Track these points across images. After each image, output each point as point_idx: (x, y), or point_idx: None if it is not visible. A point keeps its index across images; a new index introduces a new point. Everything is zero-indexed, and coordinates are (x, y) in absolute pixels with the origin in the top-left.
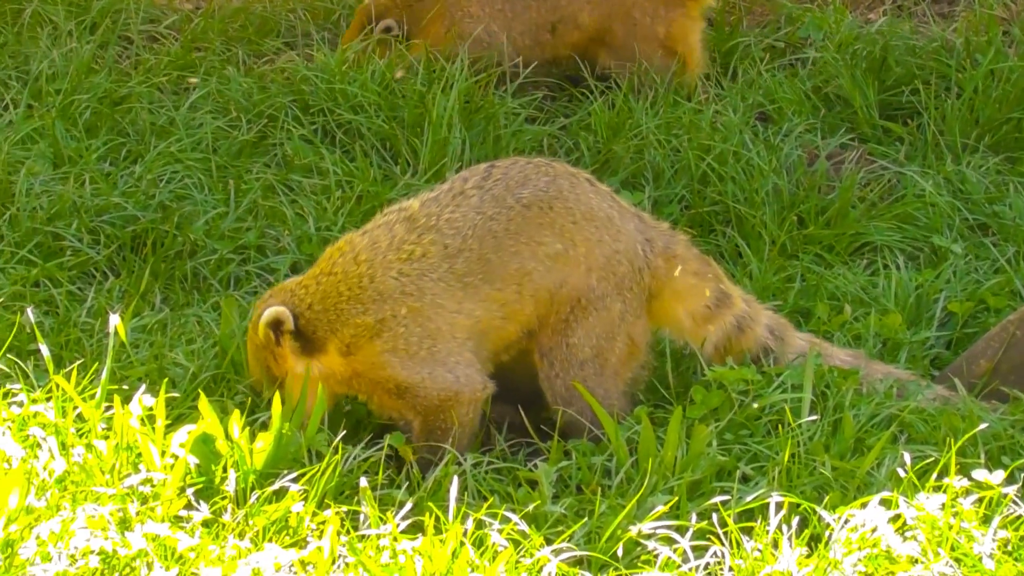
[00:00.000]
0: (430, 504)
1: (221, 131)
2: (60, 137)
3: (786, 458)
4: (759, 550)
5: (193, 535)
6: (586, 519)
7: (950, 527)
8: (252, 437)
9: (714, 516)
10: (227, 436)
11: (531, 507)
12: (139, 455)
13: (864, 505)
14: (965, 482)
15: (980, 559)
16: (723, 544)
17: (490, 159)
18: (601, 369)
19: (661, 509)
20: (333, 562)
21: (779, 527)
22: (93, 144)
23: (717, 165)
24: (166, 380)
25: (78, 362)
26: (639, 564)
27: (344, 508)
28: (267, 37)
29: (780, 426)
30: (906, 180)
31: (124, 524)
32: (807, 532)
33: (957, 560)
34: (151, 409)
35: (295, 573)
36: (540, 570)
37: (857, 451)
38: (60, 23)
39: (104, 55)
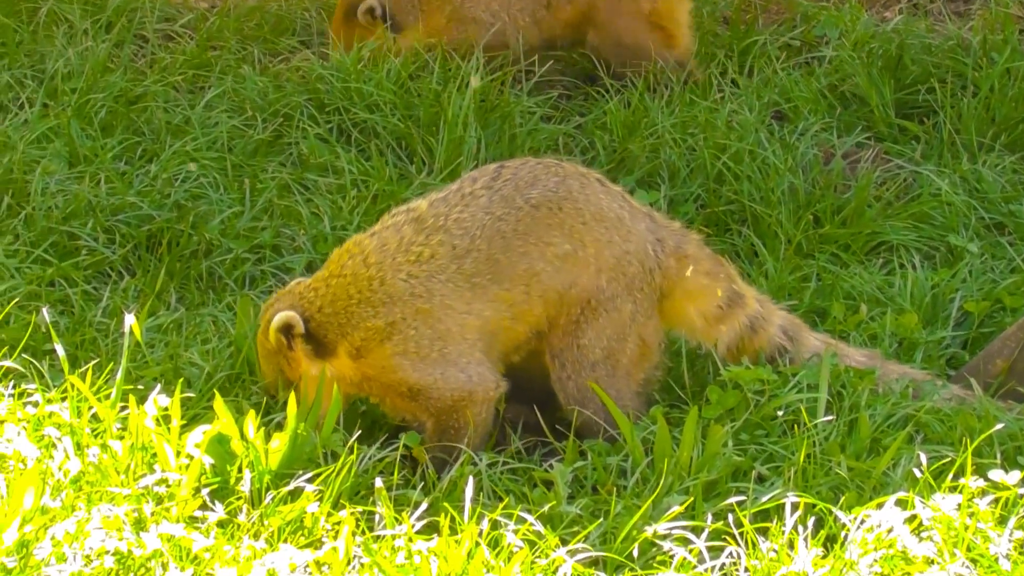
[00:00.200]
0: (445, 504)
1: (236, 130)
2: (75, 136)
3: (802, 458)
4: (775, 551)
5: (208, 535)
6: (601, 519)
7: (966, 528)
8: (267, 437)
9: (730, 516)
10: (242, 436)
11: (546, 507)
12: (154, 455)
13: (880, 505)
14: (981, 482)
15: (996, 560)
16: (739, 545)
17: (506, 158)
18: (613, 370)
19: (677, 509)
20: (348, 563)
21: (795, 527)
22: (108, 143)
23: (733, 164)
24: (181, 380)
25: (93, 362)
26: (655, 565)
27: (359, 508)
28: (282, 36)
29: (796, 426)
30: (922, 179)
31: (139, 524)
32: (823, 532)
33: (973, 561)
34: (166, 409)
35: (310, 574)
36: (556, 571)
37: (873, 451)
38: (76, 22)
39: (119, 54)
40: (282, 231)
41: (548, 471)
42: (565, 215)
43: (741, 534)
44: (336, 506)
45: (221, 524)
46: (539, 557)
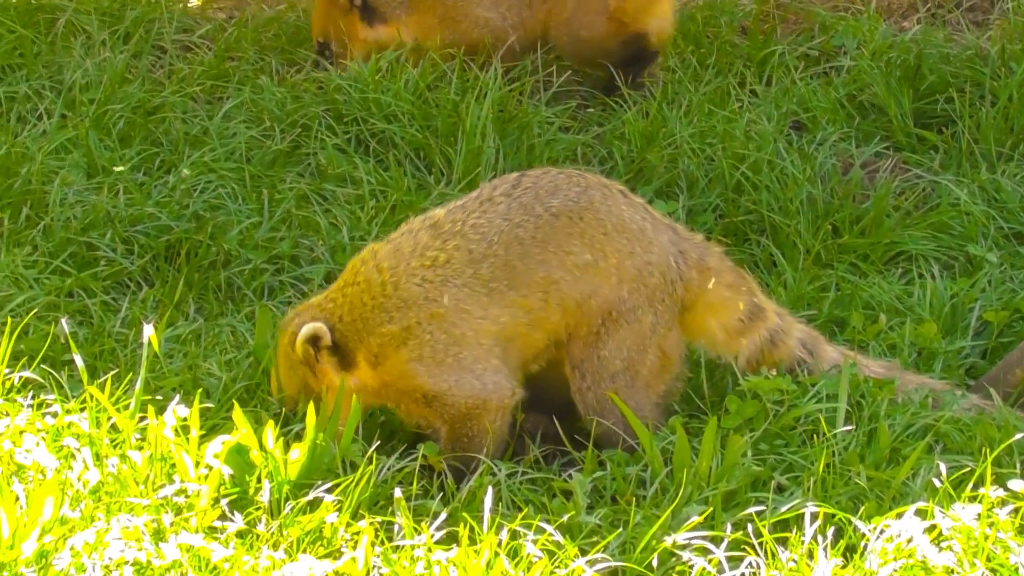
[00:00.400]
0: (464, 514)
1: (255, 141)
2: (94, 147)
3: (821, 468)
4: (794, 561)
5: (227, 546)
6: (621, 529)
7: (986, 538)
8: (286, 447)
9: (749, 526)
10: (261, 447)
11: (566, 517)
12: (173, 466)
13: (900, 515)
14: (1001, 492)
15: (1016, 570)
16: (758, 555)
17: (524, 168)
18: (632, 381)
19: (696, 519)
20: (367, 573)
21: (814, 537)
22: (127, 154)
23: (751, 174)
24: (200, 390)
25: (112, 372)
26: (674, 575)
27: (378, 518)
28: (300, 46)
29: (815, 436)
30: (941, 189)
31: (158, 535)
32: (842, 542)
33: (993, 571)
34: (185, 419)
35: None
36: None
37: (892, 461)
38: (94, 33)
39: (138, 65)
40: (300, 241)
41: (567, 481)
42: (586, 225)
43: (760, 544)
44: (355, 516)
45: (240, 534)
46: (558, 567)
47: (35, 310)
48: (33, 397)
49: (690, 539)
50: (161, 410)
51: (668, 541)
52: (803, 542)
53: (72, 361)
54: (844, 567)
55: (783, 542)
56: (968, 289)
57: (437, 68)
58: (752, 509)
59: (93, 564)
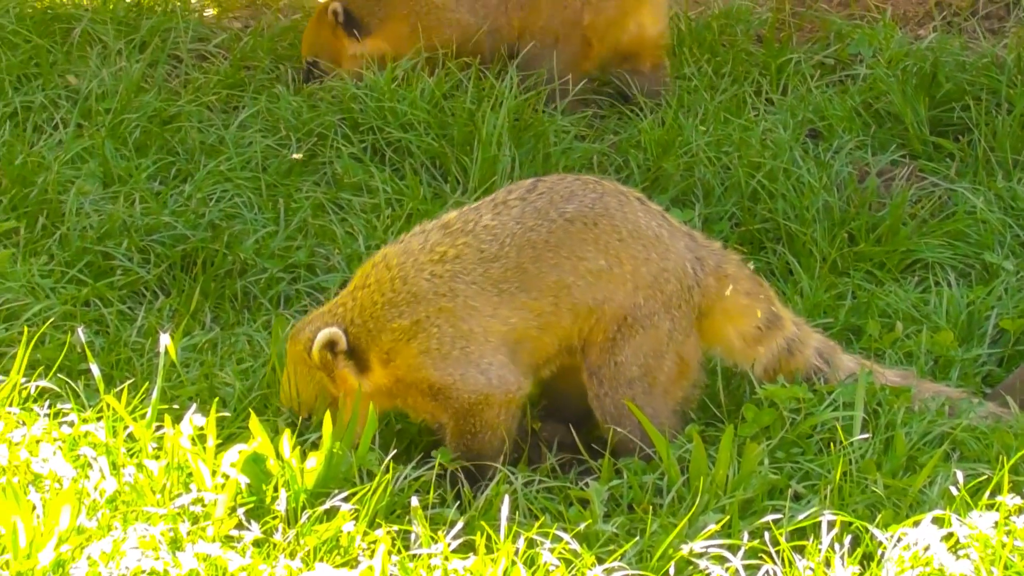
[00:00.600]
0: (482, 523)
1: (270, 150)
2: (110, 156)
3: (838, 476)
4: (811, 569)
5: (244, 555)
6: (637, 538)
7: (1003, 545)
8: (303, 456)
9: (766, 535)
10: (278, 455)
11: (582, 526)
12: (190, 475)
13: (916, 523)
14: (1018, 500)
15: None
16: (775, 563)
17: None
18: (650, 388)
19: (713, 528)
20: None
21: (831, 546)
22: (143, 163)
23: (767, 182)
24: (216, 399)
25: (129, 382)
26: None
27: (395, 527)
28: None
29: (832, 444)
30: (957, 197)
31: (175, 544)
32: (859, 551)
33: None
34: (202, 429)
35: None
36: None
37: (909, 469)
38: (109, 42)
39: (153, 74)
40: (316, 250)
41: (584, 489)
42: (601, 231)
43: (777, 552)
44: (372, 525)
45: (257, 543)
46: None
47: (51, 319)
48: (50, 406)
49: (707, 547)
50: (178, 419)
51: (685, 549)
52: (820, 550)
53: (89, 370)
54: (861, 575)
55: (800, 550)
56: (984, 297)
57: (452, 77)
58: (769, 517)
59: (110, 573)
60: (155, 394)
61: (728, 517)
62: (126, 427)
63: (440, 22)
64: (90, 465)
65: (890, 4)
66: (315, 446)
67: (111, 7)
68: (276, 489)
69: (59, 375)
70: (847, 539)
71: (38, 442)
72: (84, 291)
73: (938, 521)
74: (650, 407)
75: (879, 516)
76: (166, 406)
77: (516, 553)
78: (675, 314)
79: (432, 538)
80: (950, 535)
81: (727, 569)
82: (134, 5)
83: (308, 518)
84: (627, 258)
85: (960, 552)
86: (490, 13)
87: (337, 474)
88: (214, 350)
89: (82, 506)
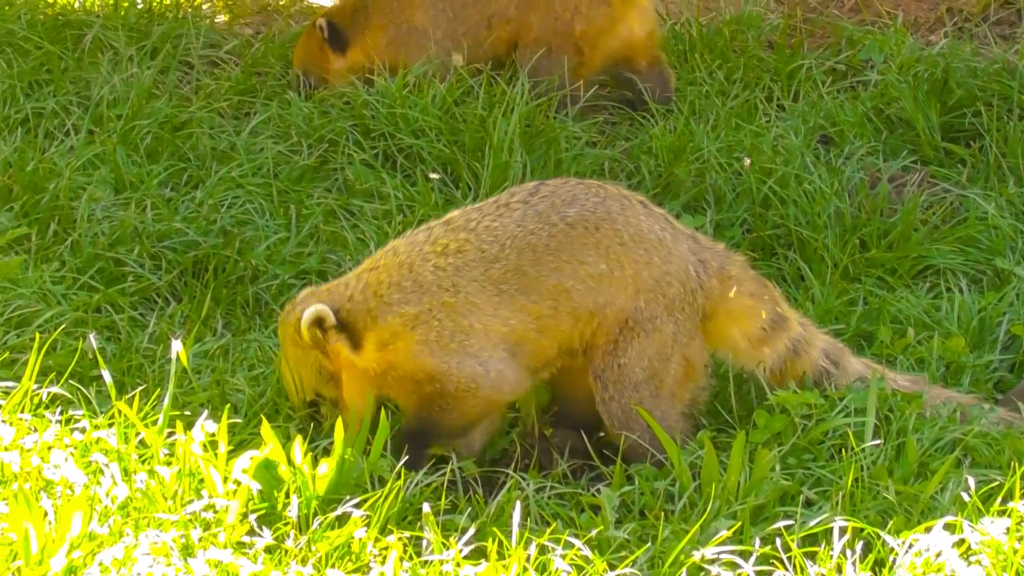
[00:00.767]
0: (493, 529)
1: (282, 156)
2: (121, 163)
3: (849, 482)
4: (823, 575)
5: (256, 561)
6: (649, 544)
7: (1015, 552)
8: (314, 462)
9: (777, 541)
10: (289, 462)
11: (594, 532)
12: (201, 481)
13: (928, 530)
14: None
15: None
16: (787, 569)
17: None
18: (657, 391)
19: (724, 534)
20: None
21: (843, 552)
22: (154, 169)
23: (779, 188)
24: (228, 406)
25: (140, 388)
26: None
27: (407, 534)
28: None
29: (843, 450)
30: (968, 202)
31: (187, 550)
32: (871, 557)
33: None
34: (213, 435)
35: None
36: None
37: (921, 475)
38: (121, 49)
39: (165, 80)
40: (328, 257)
41: (595, 496)
42: (602, 235)
43: (789, 558)
44: (383, 531)
45: (268, 550)
46: None
47: (63, 326)
48: (61, 413)
49: (719, 554)
50: (189, 425)
51: (696, 556)
52: (832, 557)
53: (100, 377)
54: None
55: (812, 557)
56: (996, 303)
57: (464, 83)
58: (780, 523)
59: None
60: (167, 400)
61: (740, 523)
62: (138, 433)
63: (416, 45)
64: (102, 471)
65: (901, 10)
66: (327, 452)
67: (122, 13)
68: (288, 495)
69: (71, 381)
70: (859, 545)
71: (50, 448)
72: (96, 297)
73: (950, 527)
74: (658, 410)
75: (891, 522)
76: (178, 412)
77: (528, 559)
78: (679, 317)
79: (444, 544)
80: (962, 541)
81: (739, 575)
82: (145, 11)
83: (320, 524)
84: (629, 262)
85: (972, 558)
86: (470, 31)
87: (349, 480)
88: (225, 356)
89: (94, 512)
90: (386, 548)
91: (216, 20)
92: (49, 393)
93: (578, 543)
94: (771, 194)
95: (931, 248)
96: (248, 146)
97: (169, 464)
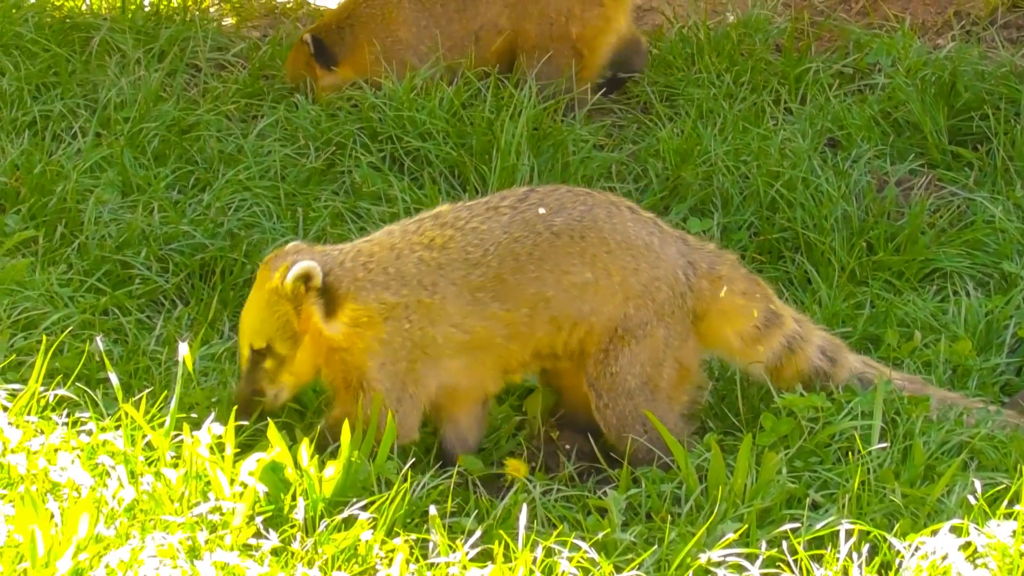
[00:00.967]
0: (500, 532)
1: (289, 159)
2: (128, 165)
3: (856, 485)
4: None
5: (262, 563)
6: (656, 547)
7: (1021, 554)
8: (321, 465)
9: (784, 544)
10: (296, 464)
11: (600, 535)
12: (208, 483)
13: (934, 532)
14: None
15: None
16: (793, 572)
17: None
18: (653, 396)
19: (731, 537)
20: None
21: (849, 555)
22: (161, 172)
23: (786, 191)
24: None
25: (147, 390)
26: None
27: (413, 536)
28: None
29: (850, 453)
30: (975, 206)
31: (193, 553)
32: (877, 560)
33: None
34: (220, 437)
35: None
36: None
37: (927, 478)
38: (128, 51)
39: (172, 83)
40: None
41: (602, 498)
42: (588, 244)
43: (795, 561)
44: (390, 534)
45: (275, 552)
46: None
47: (70, 328)
48: (68, 415)
49: (725, 556)
50: (196, 428)
51: (703, 558)
52: (838, 559)
53: (107, 379)
54: None
55: (818, 559)
56: (1003, 306)
57: (471, 86)
58: (787, 526)
59: None
60: (173, 403)
61: (746, 526)
62: (144, 436)
63: (401, 60)
64: (108, 474)
65: (909, 13)
66: (333, 455)
67: (130, 16)
68: (294, 498)
69: (77, 384)
70: (865, 548)
71: (56, 451)
72: (103, 300)
73: (956, 530)
74: (656, 415)
75: (897, 525)
76: (184, 415)
77: (534, 561)
78: (669, 321)
79: (450, 547)
80: (968, 544)
81: None
82: (153, 14)
83: (326, 527)
84: (616, 269)
85: (978, 561)
86: (456, 44)
87: (355, 483)
88: (232, 359)
89: (100, 515)
90: (392, 550)
91: (223, 23)
92: (56, 395)
93: (584, 545)
94: (778, 197)
95: (938, 251)
96: (255, 149)
97: (176, 466)
